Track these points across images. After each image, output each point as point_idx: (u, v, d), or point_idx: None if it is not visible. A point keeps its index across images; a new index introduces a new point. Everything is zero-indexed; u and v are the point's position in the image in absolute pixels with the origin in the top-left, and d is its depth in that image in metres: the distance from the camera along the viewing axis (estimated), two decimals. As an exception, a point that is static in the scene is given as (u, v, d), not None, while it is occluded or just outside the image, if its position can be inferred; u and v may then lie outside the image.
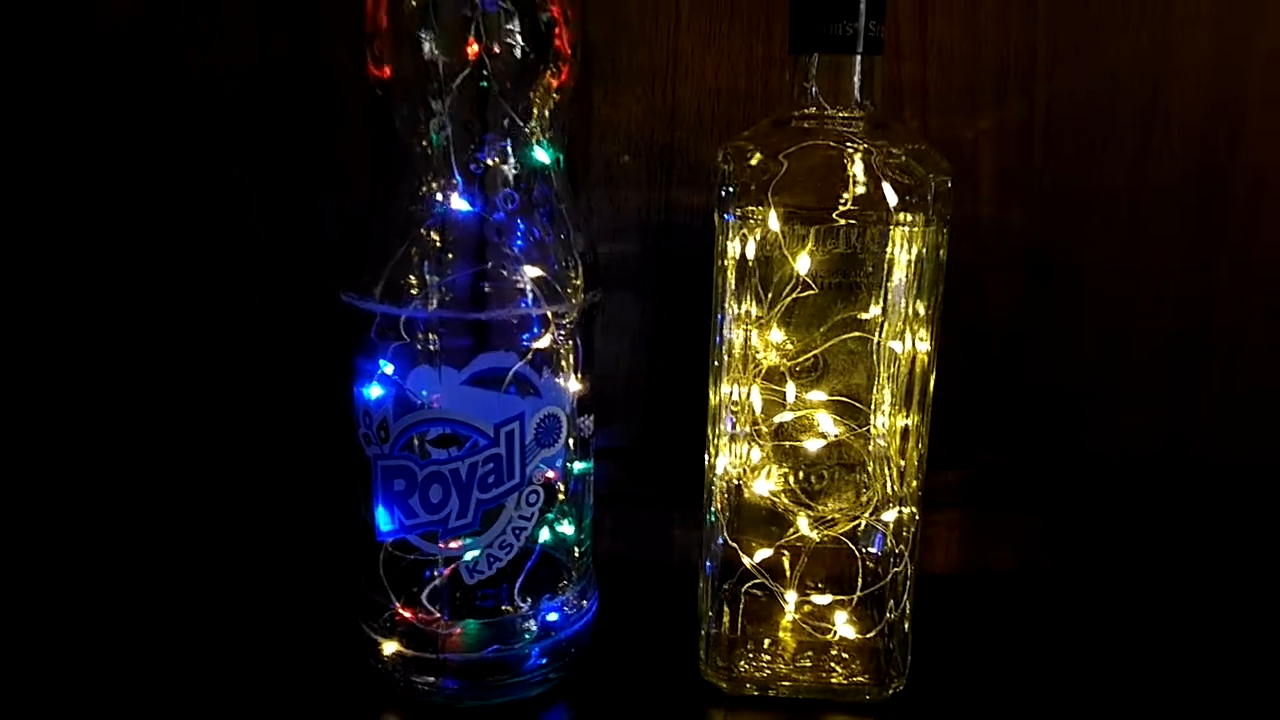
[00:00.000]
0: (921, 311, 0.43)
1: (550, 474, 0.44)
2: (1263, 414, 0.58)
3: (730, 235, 0.43)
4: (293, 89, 0.54)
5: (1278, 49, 0.53)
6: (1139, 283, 0.56)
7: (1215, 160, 0.54)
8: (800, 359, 0.44)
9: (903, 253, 0.42)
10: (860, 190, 0.41)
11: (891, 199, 0.41)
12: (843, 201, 0.41)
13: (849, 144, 0.41)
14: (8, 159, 0.54)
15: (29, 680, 0.46)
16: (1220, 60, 0.53)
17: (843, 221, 0.41)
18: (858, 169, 0.41)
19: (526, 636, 0.45)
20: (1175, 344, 0.57)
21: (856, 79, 0.42)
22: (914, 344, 0.43)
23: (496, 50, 0.39)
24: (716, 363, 0.45)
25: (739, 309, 0.44)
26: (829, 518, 0.45)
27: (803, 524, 0.45)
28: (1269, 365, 0.57)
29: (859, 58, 0.41)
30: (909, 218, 0.41)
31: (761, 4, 0.52)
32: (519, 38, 0.40)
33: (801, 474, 0.46)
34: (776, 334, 0.44)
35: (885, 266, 0.42)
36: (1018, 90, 0.53)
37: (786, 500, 0.45)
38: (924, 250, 0.42)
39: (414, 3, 0.39)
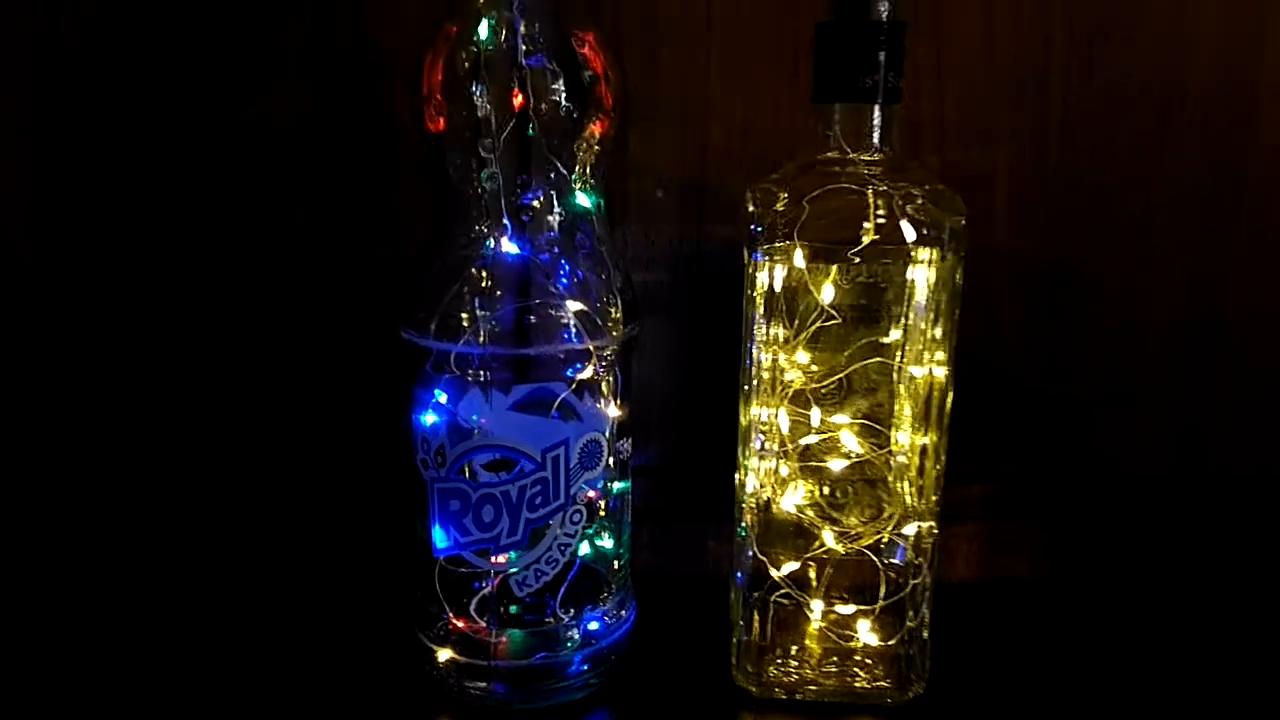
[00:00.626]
0: (938, 336, 0.45)
1: (592, 494, 0.46)
2: (1274, 428, 0.58)
3: (758, 269, 0.45)
4: (350, 137, 0.55)
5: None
6: (1151, 300, 0.57)
7: (1226, 181, 0.56)
8: (825, 382, 0.45)
9: (921, 283, 0.44)
10: (881, 227, 0.43)
11: (910, 235, 0.42)
12: (864, 238, 0.43)
13: (870, 186, 0.43)
14: (87, 196, 0.56)
15: (114, 679, 0.48)
16: (1230, 76, 0.55)
17: (859, 260, 0.43)
18: (878, 210, 0.42)
19: (570, 645, 0.46)
20: (1188, 360, 0.58)
21: (877, 126, 0.44)
22: (931, 367, 0.45)
23: (542, 106, 0.42)
24: (746, 386, 0.47)
25: (767, 336, 0.45)
26: (853, 531, 0.47)
27: (828, 537, 0.47)
28: (1272, 388, 0.58)
29: (879, 107, 0.43)
30: (926, 253, 0.43)
31: (788, 49, 0.54)
32: (563, 93, 0.42)
33: (827, 490, 0.47)
34: (803, 357, 0.45)
35: (905, 296, 0.44)
36: (1031, 125, 0.55)
37: (813, 515, 0.47)
38: (941, 280, 0.44)
39: (466, 64, 0.42)
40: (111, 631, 0.53)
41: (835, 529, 0.47)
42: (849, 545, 0.47)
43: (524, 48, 0.41)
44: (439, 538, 0.45)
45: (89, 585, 0.57)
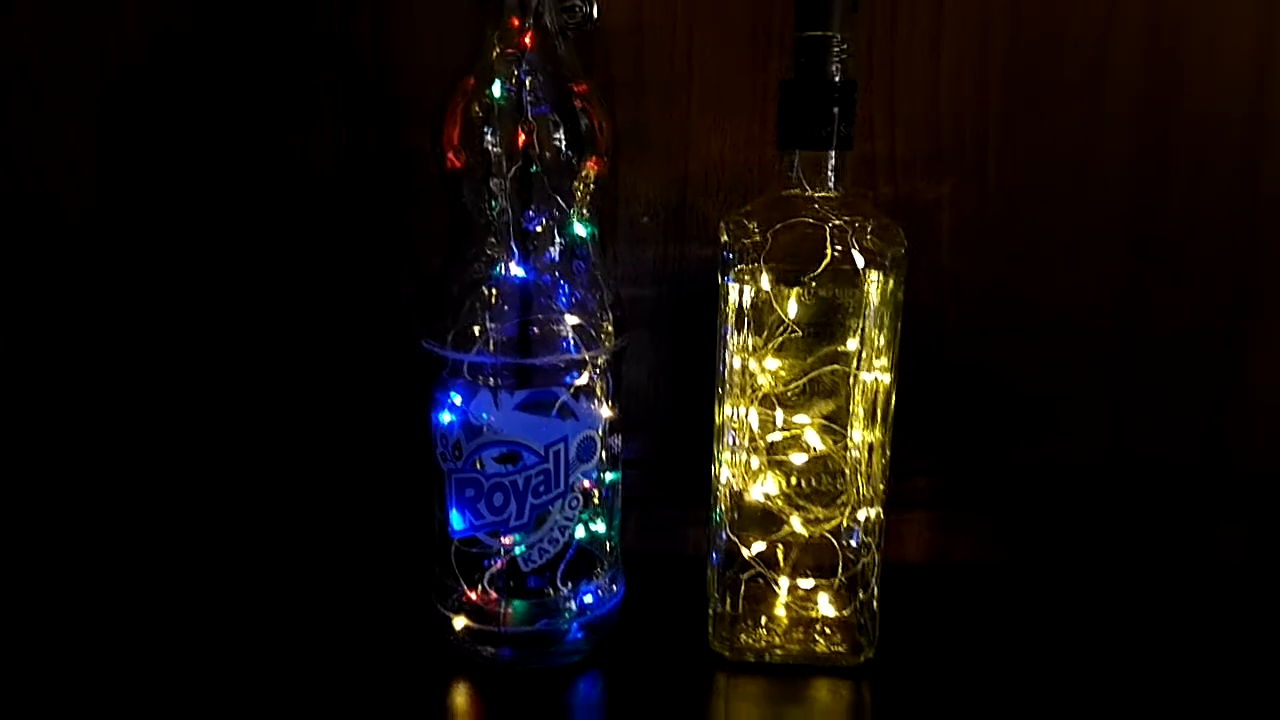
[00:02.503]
0: (882, 345, 0.50)
1: (587, 483, 0.51)
2: (1186, 425, 0.63)
3: (730, 289, 0.50)
4: (376, 174, 0.60)
5: (1200, 111, 0.59)
6: (1079, 310, 0.61)
7: (1145, 209, 0.60)
8: (790, 386, 0.50)
9: (870, 300, 0.49)
10: (836, 256, 0.48)
11: (860, 262, 0.48)
12: (821, 265, 0.48)
13: (826, 220, 0.48)
14: (152, 227, 0.60)
15: (162, 645, 0.53)
16: (1145, 123, 0.59)
17: (814, 284, 0.48)
18: (833, 240, 0.48)
19: (568, 614, 0.51)
20: (1115, 363, 0.62)
21: (832, 168, 0.49)
22: (877, 373, 0.50)
23: (545, 149, 0.47)
24: (721, 389, 0.51)
25: (739, 345, 0.50)
26: (815, 517, 0.51)
27: (795, 522, 0.51)
28: (1190, 385, 0.62)
29: (833, 153, 0.49)
30: (874, 275, 0.48)
31: (758, 95, 0.58)
32: (563, 140, 0.48)
33: (792, 480, 0.51)
34: (771, 363, 0.50)
35: (856, 312, 0.49)
36: (973, 157, 0.60)
37: (780, 502, 0.51)
38: (884, 299, 0.49)
39: (480, 113, 0.47)
40: (163, 599, 0.57)
41: (801, 514, 0.51)
42: (813, 529, 0.51)
43: (530, 99, 0.47)
44: (456, 521, 0.50)
45: (141, 564, 0.61)
